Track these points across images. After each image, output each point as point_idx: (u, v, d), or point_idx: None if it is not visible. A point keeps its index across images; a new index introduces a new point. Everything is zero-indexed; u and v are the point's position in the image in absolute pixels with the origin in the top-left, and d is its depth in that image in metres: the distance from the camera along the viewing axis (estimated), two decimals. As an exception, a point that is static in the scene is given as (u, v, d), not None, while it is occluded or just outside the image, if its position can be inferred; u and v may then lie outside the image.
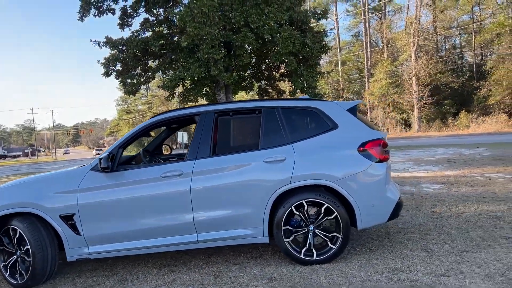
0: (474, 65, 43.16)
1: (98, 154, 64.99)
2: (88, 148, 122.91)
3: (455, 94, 40.80)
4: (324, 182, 3.96)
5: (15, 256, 4.08)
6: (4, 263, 4.13)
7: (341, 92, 50.33)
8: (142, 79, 18.63)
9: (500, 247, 4.09)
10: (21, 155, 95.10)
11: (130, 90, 18.02)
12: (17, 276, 4.06)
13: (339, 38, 53.58)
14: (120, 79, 18.02)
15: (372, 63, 47.68)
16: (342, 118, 4.20)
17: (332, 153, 4.06)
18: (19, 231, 4.00)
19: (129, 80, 18.12)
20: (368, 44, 49.03)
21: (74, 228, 4.03)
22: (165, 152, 5.96)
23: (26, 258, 4.01)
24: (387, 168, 4.15)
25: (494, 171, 8.88)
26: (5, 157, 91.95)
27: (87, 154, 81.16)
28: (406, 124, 42.95)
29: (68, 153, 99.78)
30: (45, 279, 4.08)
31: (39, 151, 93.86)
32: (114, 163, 4.09)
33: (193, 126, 4.61)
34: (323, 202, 3.95)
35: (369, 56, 48.18)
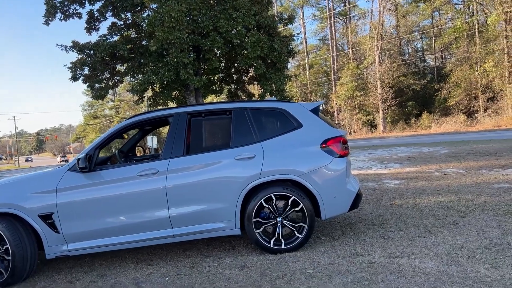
0: (435, 68, 45.14)
1: (63, 161, 63.31)
2: (53, 155, 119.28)
3: (418, 96, 42.55)
4: (291, 177, 4.30)
5: (-6, 256, 4.19)
6: (-18, 263, 4.22)
7: (309, 95, 51.34)
8: (110, 83, 18.51)
9: (448, 231, 4.56)
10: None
11: (98, 94, 17.88)
12: (-4, 275, 4.17)
13: (306, 42, 54.69)
14: (88, 84, 17.85)
15: (338, 67, 48.97)
16: (306, 117, 4.57)
17: (297, 150, 4.41)
18: (-2, 231, 4.12)
19: (97, 85, 17.97)
20: (334, 48, 50.30)
21: (53, 226, 4.19)
22: (138, 154, 6.16)
23: (5, 257, 4.13)
24: (347, 163, 4.54)
25: (449, 167, 9.54)
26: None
27: (51, 161, 78.81)
28: (372, 125, 44.34)
29: (31, 160, 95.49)
30: (25, 277, 4.21)
31: (0, 159, 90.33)
32: (91, 163, 4.28)
33: (163, 130, 4.84)
34: (290, 195, 4.29)
35: (335, 59, 49.43)
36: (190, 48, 15.60)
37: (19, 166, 62.15)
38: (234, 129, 4.52)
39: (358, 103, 44.06)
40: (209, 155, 4.41)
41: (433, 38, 45.83)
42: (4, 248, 4.13)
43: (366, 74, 43.53)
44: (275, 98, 5.12)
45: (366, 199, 6.75)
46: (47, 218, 4.18)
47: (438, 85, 40.11)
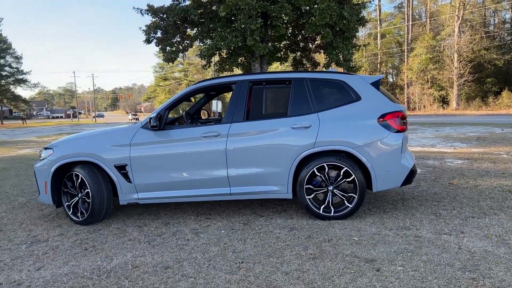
0: (523, 42, 41.03)
1: (134, 119, 67.17)
2: (126, 112, 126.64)
3: (499, 72, 39.22)
4: (345, 148, 4.43)
5: (77, 198, 4.83)
6: (67, 203, 4.90)
7: (378, 65, 49.31)
8: (181, 47, 19.24)
9: (505, 215, 4.47)
10: (63, 117, 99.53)
11: (169, 57, 18.69)
12: (79, 214, 4.82)
13: (380, 9, 51.94)
14: (160, 46, 18.70)
15: (413, 37, 46.20)
16: (365, 91, 4.60)
17: (353, 122, 4.50)
18: (81, 177, 4.73)
19: (168, 48, 18.78)
20: (410, 17, 47.32)
21: (126, 176, 4.72)
22: (203, 117, 6.56)
23: (86, 199, 4.76)
24: (404, 138, 4.55)
25: (522, 150, 8.99)
26: (48, 117, 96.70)
27: (123, 118, 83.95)
28: (444, 101, 41.87)
29: (102, 116, 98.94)
30: (101, 218, 4.83)
31: (79, 113, 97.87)
32: (161, 122, 4.70)
33: (228, 95, 5.11)
34: (342, 165, 4.43)
35: (410, 29, 46.62)
36: (258, 14, 15.67)
37: (95, 121, 67.09)
38: (292, 98, 4.68)
39: (431, 76, 41.62)
40: (267, 122, 4.65)
41: (524, 8, 41.43)
42: (85, 191, 4.75)
43: (443, 46, 40.73)
44: (334, 69, 5.16)
45: (424, 177, 6.67)
46: (121, 168, 4.71)
47: (525, 61, 36.60)
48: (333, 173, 4.57)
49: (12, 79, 55.00)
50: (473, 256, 3.38)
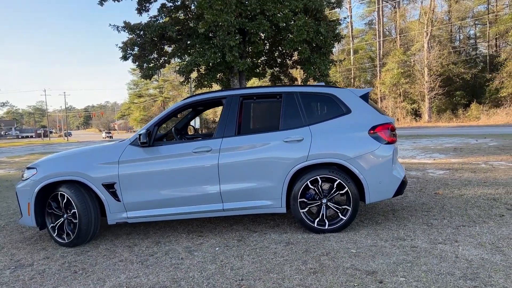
0: (488, 57, 42.88)
1: (108, 137, 65.86)
2: (99, 131, 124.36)
3: (467, 85, 40.74)
4: (337, 161, 4.44)
5: (62, 219, 4.64)
6: (52, 224, 4.69)
7: (352, 80, 50.40)
8: (158, 63, 19.11)
9: (494, 223, 4.56)
10: (33, 136, 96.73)
11: (147, 73, 18.50)
12: (64, 236, 4.62)
13: (352, 27, 53.38)
14: (137, 63, 18.52)
15: (385, 52, 47.59)
16: (355, 103, 4.66)
17: (345, 135, 4.53)
18: (66, 196, 4.56)
19: (145, 64, 18.61)
20: (381, 33, 48.83)
21: (114, 195, 4.58)
22: (189, 133, 6.48)
23: (73, 220, 4.57)
24: (394, 149, 4.62)
25: (498, 159, 9.28)
26: (18, 137, 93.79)
27: (96, 136, 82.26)
28: (417, 114, 43.05)
29: (70, 135, 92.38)
30: (89, 239, 4.65)
31: (51, 132, 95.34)
32: (151, 139, 4.61)
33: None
34: (335, 178, 4.44)
35: (381, 45, 48.05)
36: (237, 31, 15.79)
37: (67, 140, 65.44)
38: (283, 112, 4.69)
39: (403, 90, 42.83)
40: (259, 136, 4.62)
41: (487, 25, 43.46)
42: (71, 212, 4.58)
43: (413, 61, 42.08)
44: (323, 83, 5.22)
45: (410, 187, 6.76)
46: (109, 187, 4.56)
47: (490, 75, 38.23)
48: (326, 186, 4.57)
49: (-20, 98, 53.23)
50: (471, 264, 3.42)
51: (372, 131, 4.51)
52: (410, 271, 3.33)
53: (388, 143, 4.53)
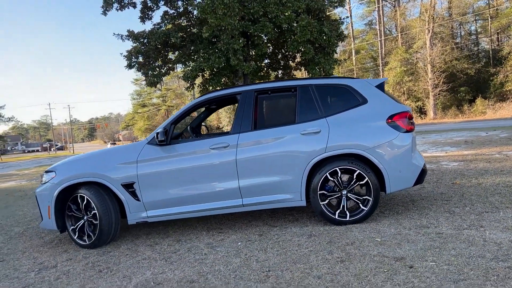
0: (490, 51, 42.71)
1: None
2: (104, 142, 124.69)
3: (471, 81, 40.54)
4: (356, 151, 4.42)
5: (83, 221, 4.64)
6: (72, 227, 4.69)
7: (355, 81, 50.28)
8: (163, 71, 19.18)
9: (517, 208, 4.51)
10: (39, 150, 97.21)
11: (152, 81, 18.56)
12: (85, 237, 4.62)
13: (352, 27, 53.37)
14: (142, 71, 18.60)
15: (386, 52, 47.53)
16: (371, 93, 4.64)
17: (362, 125, 4.51)
18: (86, 198, 4.56)
19: (150, 72, 18.70)
20: (382, 32, 48.79)
21: (134, 195, 4.57)
22: (203, 133, 6.48)
23: (93, 221, 4.57)
24: (413, 138, 4.59)
25: (511, 149, 9.20)
26: (24, 151, 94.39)
27: (101, 148, 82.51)
28: (421, 111, 42.85)
29: (62, 149, 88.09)
30: (110, 240, 4.64)
31: (56, 145, 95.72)
32: (168, 137, 4.61)
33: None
34: (355, 169, 4.41)
35: (383, 44, 47.99)
36: (240, 34, 15.84)
37: (73, 152, 65.71)
38: (299, 105, 4.68)
39: (407, 88, 42.67)
40: (275, 130, 4.61)
41: (489, 19, 43.33)
42: (92, 213, 4.57)
43: (416, 58, 41.97)
44: (335, 75, 5.21)
45: (426, 179, 6.71)
46: (129, 187, 4.56)
47: (494, 69, 38.03)
48: (346, 177, 4.54)
49: (-14, 114, 53.61)
50: (500, 247, 3.37)
51: (389, 120, 4.49)
52: (439, 256, 3.29)
53: (407, 131, 4.50)
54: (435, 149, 11.27)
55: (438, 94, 39.64)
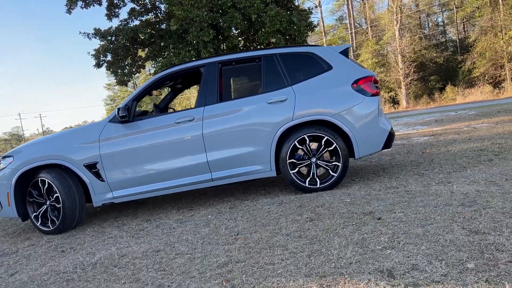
0: (457, 40, 43.86)
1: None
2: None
3: (441, 69, 41.49)
4: (323, 117, 4.37)
5: (45, 206, 4.43)
6: (35, 213, 4.47)
7: (328, 75, 50.73)
8: (133, 69, 18.84)
9: (483, 166, 4.56)
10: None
11: (122, 79, 18.24)
12: (49, 223, 4.42)
13: (323, 22, 53.85)
14: (111, 70, 18.22)
15: (357, 44, 48.16)
16: (336, 59, 4.61)
17: (328, 91, 4.47)
18: (47, 182, 4.35)
19: (119, 71, 18.33)
20: (352, 26, 49.42)
21: (98, 175, 4.40)
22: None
23: (56, 205, 4.37)
24: (379, 102, 4.57)
25: (479, 123, 9.39)
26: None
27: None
28: (394, 101, 43.58)
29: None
30: (75, 224, 4.45)
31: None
32: (130, 114, 4.46)
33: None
34: (323, 135, 4.37)
35: (353, 37, 48.61)
36: (209, 26, 15.70)
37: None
38: (264, 75, 4.60)
39: (380, 79, 43.33)
40: (241, 101, 4.52)
41: (454, 9, 44.49)
42: (54, 197, 4.37)
43: (386, 50, 42.70)
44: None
45: (397, 151, 6.76)
46: (92, 167, 4.39)
47: (462, 57, 39.03)
48: (314, 145, 4.50)
49: (-48, 126, 51.48)
50: (467, 196, 3.38)
51: (355, 85, 4.46)
52: (407, 208, 3.27)
53: (373, 95, 4.49)
54: (406, 128, 11.42)
55: (410, 84, 40.39)
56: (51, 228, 4.39)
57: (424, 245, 2.45)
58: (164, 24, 17.54)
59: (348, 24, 50.15)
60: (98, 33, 17.15)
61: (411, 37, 40.19)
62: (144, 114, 5.28)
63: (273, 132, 4.38)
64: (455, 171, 4.48)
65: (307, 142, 4.40)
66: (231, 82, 4.80)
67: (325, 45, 51.58)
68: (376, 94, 4.53)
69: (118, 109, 4.37)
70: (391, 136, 4.60)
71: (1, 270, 3.35)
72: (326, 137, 4.36)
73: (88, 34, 17.31)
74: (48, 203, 4.43)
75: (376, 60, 42.22)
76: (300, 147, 4.41)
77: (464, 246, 2.35)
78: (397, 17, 40.37)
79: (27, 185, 4.49)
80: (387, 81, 42.75)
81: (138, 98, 4.61)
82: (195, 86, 5.69)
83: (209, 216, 4.09)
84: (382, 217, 3.11)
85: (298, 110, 4.38)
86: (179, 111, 4.78)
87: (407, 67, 39.71)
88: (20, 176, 4.40)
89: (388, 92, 43.34)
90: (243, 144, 4.42)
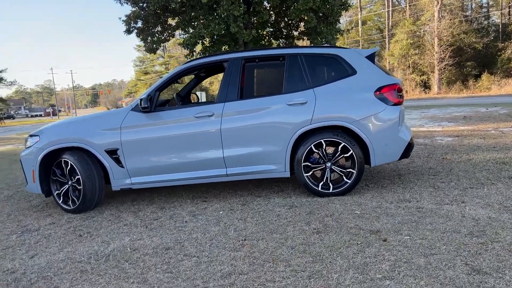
0: (500, 26, 41.64)
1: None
2: (107, 108, 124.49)
3: (478, 55, 39.74)
4: (342, 123, 4.35)
5: (67, 185, 4.65)
6: (57, 191, 4.71)
7: (360, 53, 49.36)
8: (162, 37, 18.85)
9: (502, 184, 4.48)
10: (43, 115, 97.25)
11: (151, 47, 18.32)
12: (70, 202, 4.64)
13: (360, -3, 51.95)
14: (141, 37, 18.29)
15: (393, 23, 46.46)
16: (361, 64, 4.52)
17: (350, 97, 4.42)
18: (70, 163, 4.54)
19: (149, 38, 18.38)
20: (390, 3, 47.53)
21: (117, 161, 4.56)
22: (193, 101, 6.41)
23: (77, 186, 4.58)
24: (401, 111, 4.50)
25: (508, 126, 9.09)
26: (27, 116, 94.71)
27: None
28: (426, 86, 42.30)
29: (60, 111, 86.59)
30: (94, 205, 4.67)
31: (59, 111, 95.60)
32: (152, 104, 4.54)
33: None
34: (340, 141, 4.36)
35: (390, 15, 46.85)
36: (241, 0, 15.43)
37: (77, 118, 65.65)
38: (287, 74, 4.58)
39: (413, 62, 41.95)
40: (261, 100, 4.53)
41: (501, -9, 42.02)
42: (75, 178, 4.57)
43: (423, 31, 41.08)
44: (327, 45, 5.06)
45: (417, 154, 6.67)
46: (112, 153, 4.54)
47: (503, 44, 37.21)
48: (331, 149, 4.50)
49: (-13, 77, 53.21)
50: (478, 222, 3.36)
51: (378, 92, 4.39)
52: (415, 230, 3.29)
53: (395, 104, 4.41)
54: (432, 123, 11.17)
55: (444, 69, 38.99)
56: (72, 207, 4.62)
57: (423, 279, 2.48)
58: (197, -6, 17.32)
59: (386, 1, 48.23)
60: (130, -1, 17.12)
61: (450, 19, 38.43)
62: (166, 103, 5.38)
63: (290, 134, 4.40)
64: (472, 188, 4.42)
65: (324, 146, 4.41)
66: (253, 79, 4.79)
67: (359, 22, 50.05)
68: (399, 104, 4.45)
69: (141, 99, 4.45)
70: (409, 147, 4.55)
71: (23, 250, 3.58)
72: (343, 143, 4.36)
73: (120, 0, 17.32)
74: (70, 183, 4.63)
75: (411, 41, 40.76)
76: (316, 150, 4.43)
77: (462, 287, 2.37)
78: (438, -2, 38.53)
79: (51, 164, 4.70)
80: (420, 64, 41.38)
81: (160, 88, 4.68)
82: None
83: (221, 212, 4.21)
84: (388, 239, 3.14)
85: (317, 113, 4.36)
86: (200, 104, 4.84)
87: (443, 51, 38.23)
88: (45, 155, 4.61)
89: (420, 76, 42.04)
90: (260, 143, 4.46)
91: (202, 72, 5.68)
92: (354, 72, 4.50)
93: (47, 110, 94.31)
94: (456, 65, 38.90)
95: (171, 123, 4.55)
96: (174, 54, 75.48)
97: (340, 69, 4.55)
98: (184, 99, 5.84)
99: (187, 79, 6.88)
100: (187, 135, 4.51)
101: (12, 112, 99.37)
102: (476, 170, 5.22)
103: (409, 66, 42.69)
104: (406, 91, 42.87)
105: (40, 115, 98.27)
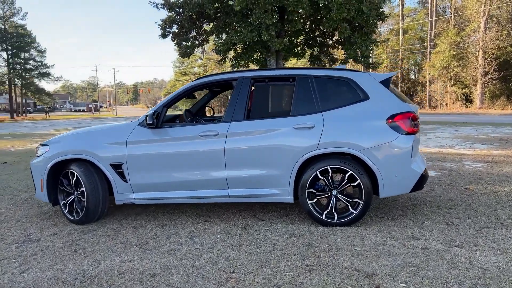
0: (552, 39, 39.33)
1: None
2: (146, 107, 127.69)
3: (526, 70, 37.72)
4: (350, 151, 4.14)
5: (73, 196, 4.70)
6: (63, 201, 4.77)
7: (400, 62, 48.16)
8: (197, 42, 19.08)
9: (524, 226, 4.12)
10: (85, 110, 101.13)
11: (185, 52, 18.57)
12: (74, 213, 4.69)
13: (402, 5, 50.63)
14: (175, 41, 18.58)
15: (436, 33, 44.92)
16: (374, 89, 4.30)
17: (360, 123, 4.21)
18: (76, 175, 4.59)
19: (184, 42, 18.65)
20: (434, 12, 46.02)
21: (122, 176, 4.56)
22: (208, 114, 6.36)
23: (81, 198, 4.61)
24: (415, 141, 4.24)
25: (547, 154, 8.48)
26: (71, 110, 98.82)
27: (142, 112, 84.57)
28: (467, 99, 40.61)
29: (102, 107, 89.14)
30: (97, 218, 4.68)
31: (101, 107, 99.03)
32: (159, 120, 4.51)
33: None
34: (347, 169, 4.15)
35: (433, 25, 45.36)
36: (275, 8, 15.36)
37: (116, 115, 67.88)
38: (296, 96, 4.42)
39: (454, 74, 40.39)
40: (268, 122, 4.40)
41: (555, 3, 39.70)
42: (80, 190, 4.61)
43: (468, 42, 39.44)
44: (343, 66, 4.85)
45: (439, 181, 6.31)
46: (117, 167, 4.54)
47: (554, 59, 35.12)
48: (337, 177, 4.30)
49: (36, 72, 55.74)
50: (485, 273, 3.07)
51: (390, 120, 4.16)
52: (413, 277, 3.05)
53: (408, 133, 4.16)
54: (464, 145, 10.60)
55: (488, 82, 37.28)
56: (76, 218, 4.66)
57: None
58: (231, 1, 17.41)
59: (429, 10, 46.74)
60: (166, 3, 17.46)
61: (497, 31, 36.67)
62: (176, 118, 5.35)
63: (295, 159, 4.24)
64: (489, 227, 4.09)
65: (330, 173, 4.22)
66: (261, 99, 4.66)
67: (401, 31, 48.76)
68: (412, 133, 4.19)
69: (146, 116, 4.44)
70: (423, 179, 4.28)
71: (17, 263, 3.61)
72: (350, 172, 4.15)
73: (157, 4, 17.69)
74: (75, 194, 4.68)
75: (454, 53, 39.28)
76: (322, 177, 4.24)
77: None
78: (485, 9, 36.93)
79: (59, 174, 4.76)
80: (463, 77, 39.80)
81: (168, 104, 4.64)
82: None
83: (218, 236, 4.10)
84: (381, 285, 2.92)
85: (324, 139, 4.18)
86: (206, 122, 4.77)
87: (487, 64, 36.57)
88: (53, 165, 4.67)
89: (462, 89, 40.43)
90: (263, 166, 4.33)
91: (213, 87, 5.61)
92: (366, 97, 4.28)
93: (90, 106, 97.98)
94: (501, 79, 37.11)
95: (176, 140, 4.50)
96: (213, 56, 76.49)
97: (352, 93, 4.35)
98: (198, 114, 5.80)
99: (202, 92, 6.84)
100: (191, 153, 4.44)
101: (57, 106, 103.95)
102: (498, 206, 4.85)
103: (450, 78, 41.15)
104: (446, 104, 41.33)
105: (83, 110, 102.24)
